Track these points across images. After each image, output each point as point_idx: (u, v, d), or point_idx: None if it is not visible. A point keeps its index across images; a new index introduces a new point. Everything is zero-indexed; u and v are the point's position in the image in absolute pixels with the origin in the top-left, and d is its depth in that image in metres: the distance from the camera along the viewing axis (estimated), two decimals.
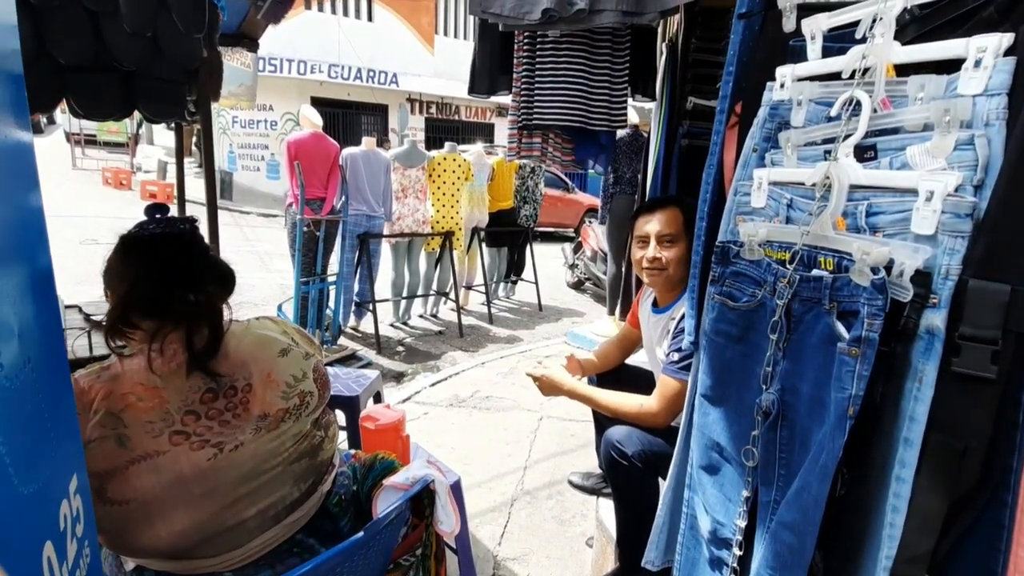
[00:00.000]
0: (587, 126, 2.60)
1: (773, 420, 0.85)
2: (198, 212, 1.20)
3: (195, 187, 3.40)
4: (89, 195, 9.54)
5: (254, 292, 5.25)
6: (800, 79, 0.91)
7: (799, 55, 0.93)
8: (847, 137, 0.80)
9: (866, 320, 0.71)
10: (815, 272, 0.80)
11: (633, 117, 3.92)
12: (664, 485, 1.23)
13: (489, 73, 2.87)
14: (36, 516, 0.36)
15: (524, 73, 2.59)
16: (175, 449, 0.83)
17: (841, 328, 0.75)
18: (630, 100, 2.90)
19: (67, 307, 1.95)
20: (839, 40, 0.89)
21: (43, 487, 0.37)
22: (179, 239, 0.93)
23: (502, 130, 13.85)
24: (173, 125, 2.52)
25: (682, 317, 1.45)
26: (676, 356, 1.43)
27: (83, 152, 13.27)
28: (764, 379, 0.86)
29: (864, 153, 0.81)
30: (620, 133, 3.75)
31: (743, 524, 0.92)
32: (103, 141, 15.18)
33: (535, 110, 2.57)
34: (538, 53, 2.53)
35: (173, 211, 1.02)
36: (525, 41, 2.56)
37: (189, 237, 0.95)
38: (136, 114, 1.91)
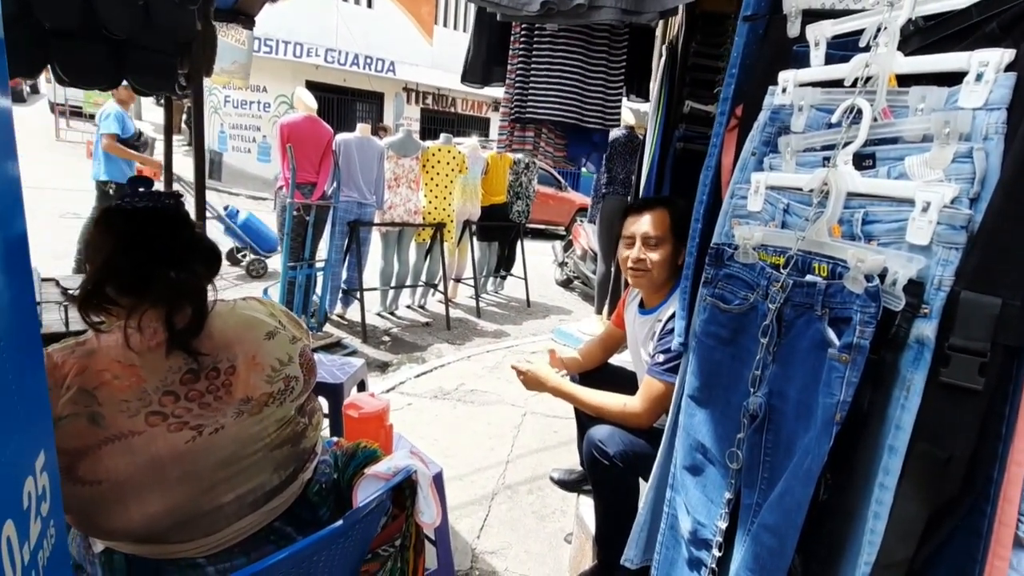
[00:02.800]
0: (581, 123, 2.59)
1: (759, 423, 0.85)
2: (186, 191, 1.18)
3: (183, 165, 3.34)
4: (72, 168, 9.31)
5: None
6: (802, 84, 0.91)
7: (802, 61, 0.93)
8: (847, 144, 0.80)
9: (858, 327, 0.71)
10: (809, 278, 0.80)
11: (629, 118, 3.91)
12: (646, 485, 1.23)
13: (484, 63, 2.84)
14: None
15: (519, 65, 2.57)
16: (151, 430, 0.80)
17: (832, 334, 0.75)
18: (625, 100, 2.89)
19: (44, 280, 1.91)
20: (843, 48, 0.89)
21: (5, 463, 0.35)
22: (163, 214, 0.90)
23: (498, 125, 13.79)
24: (163, 100, 2.46)
25: (669, 319, 1.45)
26: (662, 358, 1.44)
27: (68, 124, 12.92)
28: (752, 382, 0.86)
29: (863, 161, 0.81)
30: (615, 134, 3.75)
31: (724, 526, 0.92)
32: (89, 113, 14.80)
33: (528, 103, 2.55)
34: (535, 46, 2.51)
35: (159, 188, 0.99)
36: (522, 33, 2.54)
37: (173, 213, 0.92)
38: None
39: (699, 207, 1.09)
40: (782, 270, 0.83)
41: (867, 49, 0.81)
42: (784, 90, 0.92)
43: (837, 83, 0.86)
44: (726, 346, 0.95)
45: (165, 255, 0.86)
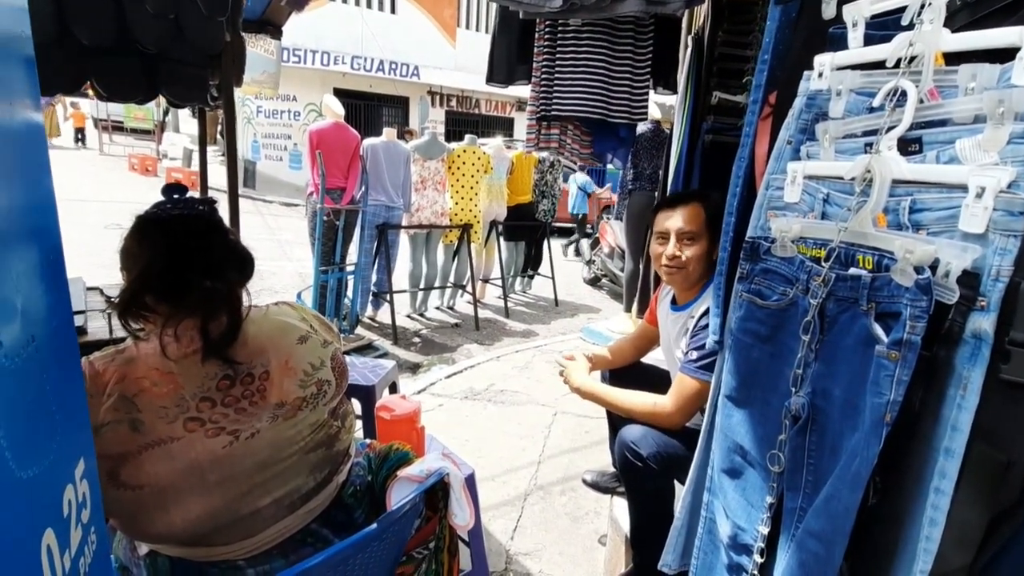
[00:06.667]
0: (607, 118, 2.55)
1: (802, 424, 0.81)
2: (221, 199, 1.20)
3: (219, 174, 3.43)
4: (115, 181, 9.73)
5: (274, 280, 5.30)
6: (840, 68, 0.87)
7: (839, 43, 0.89)
8: (891, 129, 0.75)
9: (908, 322, 0.67)
10: (852, 271, 0.76)
11: (655, 113, 3.85)
12: (682, 488, 1.20)
13: (508, 62, 2.83)
14: (35, 502, 0.35)
15: (544, 63, 2.55)
16: (190, 435, 0.82)
17: (879, 330, 0.71)
18: (652, 93, 2.84)
19: (89, 289, 1.98)
20: (883, 27, 0.84)
21: (45, 471, 0.36)
22: (197, 221, 0.92)
23: (522, 124, 13.76)
24: (197, 112, 2.54)
25: (702, 315, 1.41)
26: (695, 355, 1.40)
27: (110, 138, 13.58)
28: (794, 381, 0.82)
29: (908, 146, 0.77)
30: (641, 128, 3.69)
31: (766, 531, 0.89)
32: (130, 128, 15.54)
33: (554, 101, 2.53)
34: (559, 43, 2.49)
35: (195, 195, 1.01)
36: (546, 30, 2.52)
37: (207, 219, 0.93)
38: (162, 102, 1.92)
39: (732, 199, 1.05)
40: (823, 263, 0.79)
41: (910, 27, 0.77)
42: (820, 74, 0.88)
43: (878, 65, 0.82)
44: (764, 344, 0.91)
45: (199, 263, 0.88)
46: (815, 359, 0.81)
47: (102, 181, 9.61)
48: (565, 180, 6.84)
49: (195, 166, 11.59)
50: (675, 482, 1.47)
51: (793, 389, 0.83)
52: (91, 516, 0.45)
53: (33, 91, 0.42)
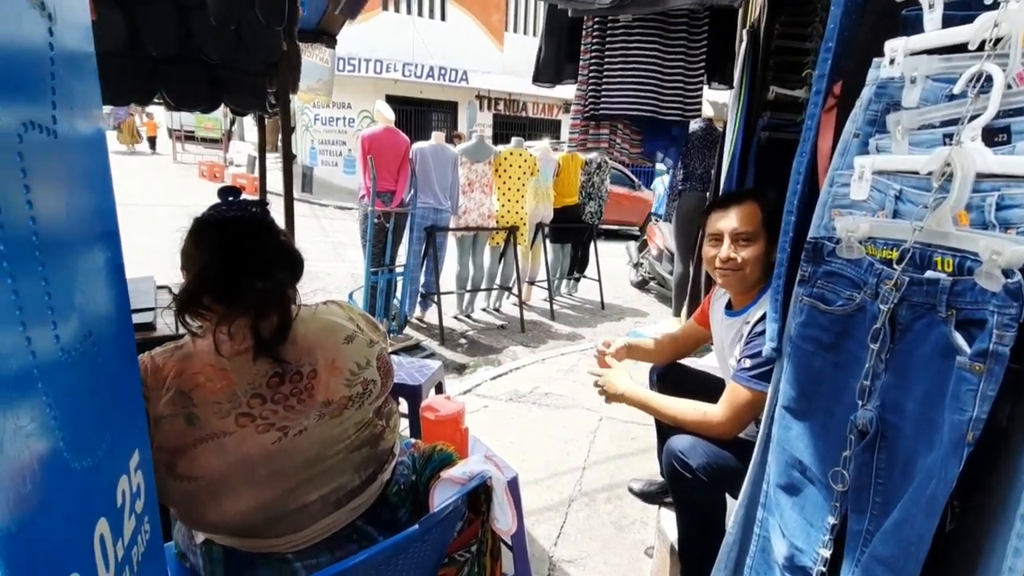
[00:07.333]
0: (658, 116, 2.48)
1: (870, 440, 0.75)
2: (277, 202, 1.24)
3: (279, 179, 3.58)
4: (186, 186, 10.36)
5: (328, 280, 5.48)
6: (914, 53, 0.80)
7: (913, 26, 0.82)
8: (974, 118, 0.69)
9: (995, 331, 0.60)
10: (929, 274, 0.70)
11: (707, 110, 3.72)
12: (734, 502, 1.14)
13: (555, 62, 2.80)
14: (89, 492, 0.36)
15: (592, 61, 2.51)
16: (241, 431, 0.84)
17: (961, 340, 0.65)
18: (705, 88, 2.74)
19: (159, 287, 2.10)
20: (963, 7, 0.77)
21: (99, 462, 0.37)
22: (249, 223, 0.94)
23: (569, 124, 13.70)
24: (257, 120, 2.66)
25: (758, 321, 1.34)
26: (749, 363, 1.33)
27: (183, 147, 14.60)
28: (861, 393, 0.76)
29: (995, 136, 0.70)
30: (693, 126, 3.58)
31: (827, 553, 0.83)
32: (200, 137, 16.75)
33: (602, 99, 2.48)
34: (608, 39, 2.44)
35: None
36: (595, 27, 2.48)
37: (259, 221, 0.96)
38: (229, 112, 2.02)
39: (792, 197, 0.99)
40: (895, 265, 0.73)
41: (994, 6, 0.70)
42: (892, 61, 0.81)
43: (958, 48, 0.75)
44: (828, 352, 0.85)
45: (252, 264, 0.90)
46: (885, 370, 0.75)
47: (175, 187, 10.25)
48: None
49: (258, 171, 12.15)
50: (726, 495, 1.40)
51: (860, 402, 0.77)
52: (145, 506, 0.47)
53: (96, 103, 0.44)
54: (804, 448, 0.89)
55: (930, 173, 0.72)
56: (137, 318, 1.66)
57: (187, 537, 1.00)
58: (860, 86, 0.86)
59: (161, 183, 10.41)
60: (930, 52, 0.78)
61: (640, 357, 1.77)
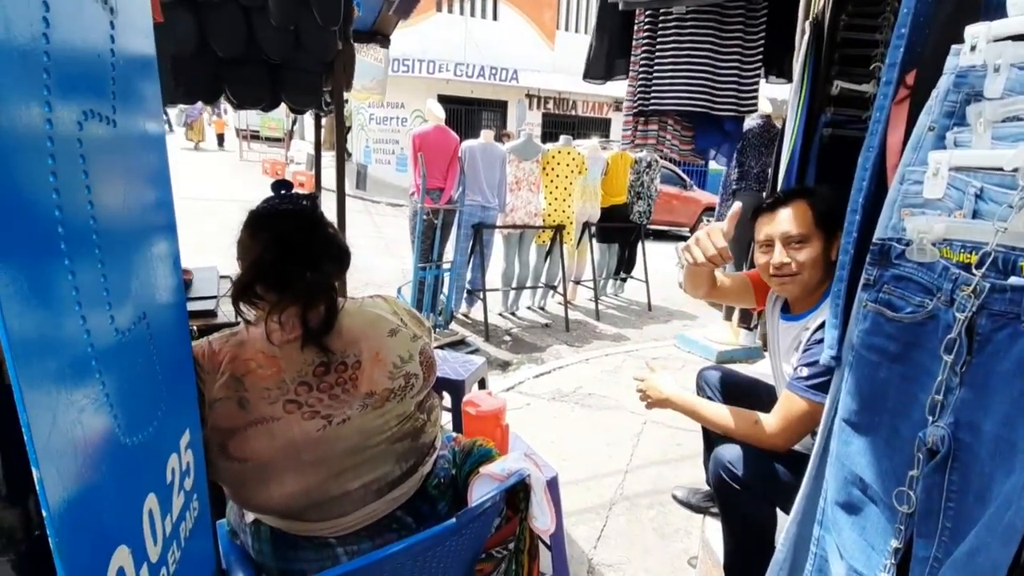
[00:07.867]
0: (711, 111, 2.39)
1: (941, 460, 0.69)
2: (330, 198, 1.27)
3: (334, 176, 3.71)
4: (251, 183, 10.89)
5: (377, 274, 5.62)
6: (998, 39, 0.73)
7: (996, 10, 0.75)
8: None
9: None
10: (1014, 280, 0.63)
11: (765, 107, 3.57)
12: (785, 517, 1.08)
13: (606, 57, 2.75)
14: (139, 467, 0.38)
15: (643, 55, 2.44)
16: (288, 417, 0.87)
17: None
18: (763, 83, 2.63)
19: (221, 277, 2.22)
20: None
21: (150, 440, 0.39)
22: (300, 216, 0.98)
23: (619, 125, 13.46)
24: (314, 118, 2.76)
25: (817, 328, 1.27)
26: (806, 372, 1.25)
27: (249, 146, 15.52)
28: (931, 409, 0.70)
29: None
30: (749, 123, 3.44)
31: None
32: (264, 136, 17.79)
33: (652, 94, 2.41)
34: (659, 33, 2.37)
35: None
36: (646, 21, 2.41)
37: (310, 214, 0.99)
38: (290, 112, 2.10)
39: (857, 195, 0.92)
40: (975, 270, 0.67)
41: None
42: (973, 48, 0.74)
43: None
44: (894, 363, 0.79)
45: (302, 255, 0.93)
46: (960, 384, 0.68)
47: (241, 184, 10.80)
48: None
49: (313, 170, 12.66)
50: (777, 510, 1.34)
51: (930, 418, 0.71)
52: (194, 484, 0.49)
53: (156, 99, 0.46)
54: (866, 465, 0.83)
55: (1016, 169, 0.65)
56: (200, 305, 1.75)
57: (238, 516, 1.05)
58: (936, 75, 0.79)
59: (229, 180, 11.02)
60: (1015, 38, 0.71)
61: (693, 271, 1.56)
